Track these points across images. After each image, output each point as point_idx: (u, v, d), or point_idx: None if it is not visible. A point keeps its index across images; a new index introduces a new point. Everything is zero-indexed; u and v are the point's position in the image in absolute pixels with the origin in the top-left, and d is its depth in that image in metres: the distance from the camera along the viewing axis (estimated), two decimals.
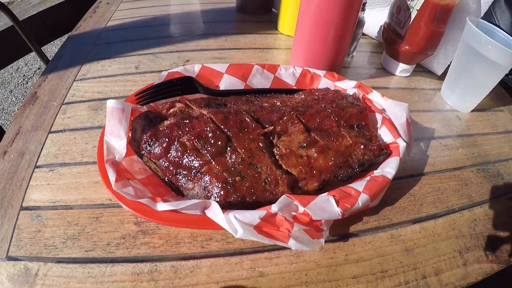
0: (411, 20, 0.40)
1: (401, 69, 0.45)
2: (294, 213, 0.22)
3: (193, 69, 0.32)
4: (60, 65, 0.43)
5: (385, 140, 0.30)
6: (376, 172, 0.26)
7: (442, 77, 0.46)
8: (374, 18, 0.50)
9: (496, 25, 0.60)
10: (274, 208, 0.21)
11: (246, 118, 0.26)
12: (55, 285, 0.23)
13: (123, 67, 0.41)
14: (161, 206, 0.21)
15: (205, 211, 0.22)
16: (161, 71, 0.40)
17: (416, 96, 0.44)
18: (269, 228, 0.21)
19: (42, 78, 0.41)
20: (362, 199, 0.24)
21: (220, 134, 0.25)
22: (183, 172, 0.24)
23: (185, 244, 0.25)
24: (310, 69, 0.36)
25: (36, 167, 0.30)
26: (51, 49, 1.56)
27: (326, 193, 0.24)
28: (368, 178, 0.25)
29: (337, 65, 0.40)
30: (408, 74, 0.47)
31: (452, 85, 0.43)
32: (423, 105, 0.43)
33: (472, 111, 0.43)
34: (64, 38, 0.55)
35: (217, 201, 0.23)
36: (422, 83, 0.46)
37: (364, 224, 0.28)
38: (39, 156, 0.31)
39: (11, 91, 1.46)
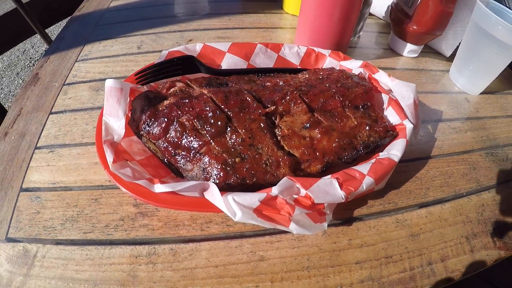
0: None
1: (409, 49, 0.41)
2: (295, 196, 0.20)
3: (195, 48, 0.29)
4: (62, 46, 0.40)
5: (391, 122, 0.27)
6: (382, 155, 0.24)
7: (450, 58, 0.42)
8: None
9: (507, 7, 0.55)
10: (274, 190, 0.19)
11: (248, 98, 0.23)
12: (53, 267, 0.21)
13: (125, 47, 0.38)
14: (159, 188, 0.19)
15: (204, 193, 0.20)
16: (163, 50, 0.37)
17: (424, 77, 0.40)
18: (270, 211, 0.19)
19: (44, 59, 0.38)
20: (367, 182, 0.21)
21: (220, 114, 0.23)
22: (182, 153, 0.22)
23: (185, 226, 0.23)
24: (315, 48, 0.32)
25: (36, 148, 0.28)
26: (57, 31, 1.52)
27: (329, 176, 0.21)
28: (373, 160, 0.23)
29: (343, 45, 0.36)
30: (416, 55, 0.42)
31: (461, 67, 0.39)
32: (431, 86, 0.39)
33: (481, 93, 0.39)
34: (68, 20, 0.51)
35: (216, 183, 0.21)
36: (430, 64, 0.42)
37: (369, 208, 0.26)
38: (39, 137, 0.29)
39: (17, 73, 1.43)
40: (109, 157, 0.21)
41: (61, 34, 0.43)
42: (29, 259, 0.22)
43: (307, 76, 0.28)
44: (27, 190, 0.25)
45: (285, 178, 0.20)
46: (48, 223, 0.23)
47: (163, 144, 0.23)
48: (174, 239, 0.22)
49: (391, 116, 0.27)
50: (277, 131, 0.23)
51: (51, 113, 0.31)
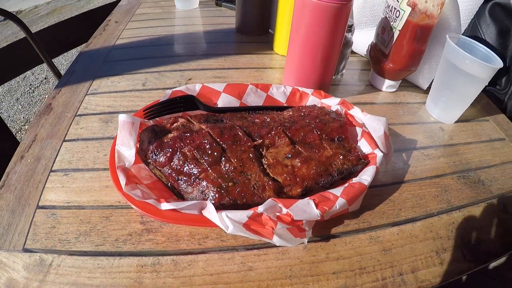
0: (394, 39, 0.45)
1: (387, 85, 0.50)
2: (278, 214, 0.27)
3: (194, 88, 0.38)
4: (72, 79, 0.49)
5: (364, 151, 0.34)
6: (355, 180, 0.31)
7: (427, 91, 0.51)
8: (364, 38, 0.56)
9: (481, 39, 0.66)
10: (260, 208, 0.26)
11: (239, 133, 0.31)
12: (67, 274, 0.27)
13: (131, 83, 0.47)
14: (165, 206, 0.26)
15: (202, 211, 0.27)
16: (166, 88, 0.46)
17: (401, 110, 0.49)
18: (256, 225, 0.26)
19: (56, 91, 0.47)
20: (340, 202, 0.28)
21: (216, 146, 0.30)
22: (184, 178, 0.29)
23: (184, 241, 0.29)
24: (299, 88, 0.41)
25: (51, 171, 0.35)
26: (59, 60, 1.66)
27: (308, 198, 0.28)
28: (346, 184, 0.30)
29: (325, 83, 0.45)
30: (394, 90, 0.52)
31: (435, 99, 0.48)
32: (408, 118, 0.47)
33: (457, 122, 0.48)
34: (73, 51, 0.61)
35: (212, 203, 0.27)
36: (408, 97, 0.51)
37: (345, 226, 0.32)
38: (54, 162, 0.36)
39: (17, 99, 1.55)
40: (122, 180, 0.28)
41: (71, 68, 0.52)
42: (44, 267, 0.27)
43: (291, 113, 0.36)
44: (43, 207, 0.32)
45: (269, 199, 0.27)
46: (63, 237, 0.29)
47: (168, 170, 0.30)
48: (175, 251, 0.29)
49: (364, 146, 0.35)
50: (263, 161, 0.30)
51: (64, 140, 0.39)
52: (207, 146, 0.30)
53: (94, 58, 0.54)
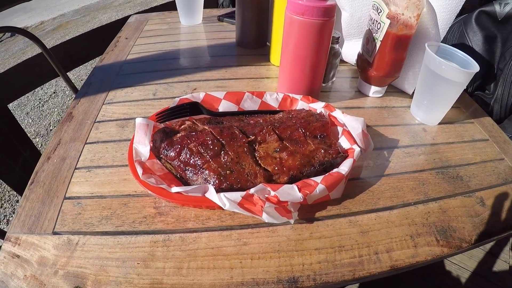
0: (377, 49, 0.54)
1: (374, 91, 0.59)
2: (266, 195, 0.35)
3: (199, 96, 0.47)
4: (90, 91, 0.59)
5: (344, 147, 0.42)
6: (334, 170, 0.39)
7: (412, 95, 0.59)
8: (352, 48, 0.65)
9: (468, 46, 0.74)
10: (252, 190, 0.34)
11: (236, 131, 0.40)
12: (91, 250, 0.34)
13: (143, 93, 0.57)
14: (175, 189, 0.35)
15: (205, 194, 0.35)
16: (174, 97, 0.55)
17: (387, 113, 0.56)
18: (248, 204, 0.34)
19: (76, 101, 0.56)
20: (319, 188, 0.36)
21: (217, 142, 0.39)
22: (190, 168, 0.38)
23: (190, 221, 0.37)
24: (290, 94, 0.50)
25: (76, 168, 0.44)
26: (70, 76, 1.81)
27: (293, 184, 0.36)
28: (327, 174, 0.38)
29: (315, 90, 0.54)
30: (381, 95, 0.60)
31: (418, 102, 0.55)
32: (392, 120, 0.55)
33: (440, 123, 0.55)
34: (84, 66, 0.71)
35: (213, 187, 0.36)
36: (394, 102, 0.59)
37: (327, 211, 0.40)
38: (78, 161, 0.45)
39: (27, 113, 1.69)
40: (139, 170, 0.37)
41: (88, 81, 0.62)
42: (72, 246, 0.34)
43: (281, 115, 0.45)
44: (70, 198, 0.40)
45: (260, 184, 0.35)
46: (87, 221, 0.37)
47: (177, 163, 0.39)
48: (183, 230, 0.37)
49: (344, 142, 0.43)
50: (256, 154, 0.39)
51: (86, 143, 0.48)
52: (209, 142, 0.39)
53: (108, 72, 0.64)
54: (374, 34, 0.54)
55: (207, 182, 0.37)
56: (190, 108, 0.45)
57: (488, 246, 1.04)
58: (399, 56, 0.54)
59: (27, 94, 1.80)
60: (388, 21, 0.51)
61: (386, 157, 0.48)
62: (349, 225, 0.38)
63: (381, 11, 0.51)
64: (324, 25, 0.47)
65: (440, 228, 0.39)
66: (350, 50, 0.65)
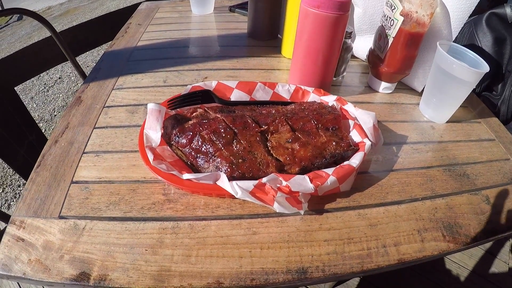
0: (389, 45, 0.53)
1: (384, 86, 0.58)
2: (278, 185, 0.34)
3: (211, 84, 0.46)
4: (99, 76, 0.58)
5: (355, 140, 0.42)
6: (345, 163, 0.38)
7: (422, 93, 0.58)
8: (363, 44, 0.63)
9: (478, 46, 0.73)
10: (264, 180, 0.33)
11: (248, 120, 0.39)
12: (98, 235, 0.33)
13: (153, 80, 0.56)
14: (186, 176, 0.34)
15: (216, 181, 0.34)
16: (185, 85, 0.54)
17: (396, 109, 0.56)
18: (260, 193, 0.33)
19: (85, 86, 0.55)
20: (331, 179, 0.35)
21: (229, 131, 0.38)
22: (202, 156, 0.37)
23: (200, 209, 0.37)
24: (302, 87, 0.49)
25: (84, 153, 0.42)
26: (79, 60, 1.78)
27: (304, 174, 0.36)
28: (338, 166, 0.37)
29: (326, 83, 0.53)
30: (390, 91, 0.59)
31: (427, 100, 0.55)
32: (401, 116, 0.54)
33: (448, 122, 0.54)
34: (90, 53, 0.69)
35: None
36: (403, 98, 0.58)
37: (337, 203, 0.39)
38: (86, 145, 0.43)
39: (32, 97, 1.67)
40: (150, 156, 0.36)
41: (97, 66, 0.61)
42: (78, 230, 0.33)
43: (293, 107, 0.44)
44: (77, 182, 0.39)
45: (272, 174, 0.35)
46: (95, 206, 0.36)
47: (188, 150, 0.38)
48: (192, 218, 0.36)
49: (355, 136, 0.42)
50: (268, 144, 0.38)
51: (95, 127, 0.47)
52: (222, 131, 0.38)
53: (118, 58, 0.63)
54: (387, 31, 0.53)
55: (219, 170, 0.36)
56: (202, 96, 0.44)
57: (487, 245, 1.04)
58: (411, 54, 0.53)
59: (32, 79, 1.78)
60: (401, 18, 0.49)
61: (395, 152, 0.47)
62: (358, 218, 0.38)
63: (395, 8, 0.50)
64: (339, 19, 0.46)
65: (446, 224, 0.38)
66: (361, 45, 0.64)
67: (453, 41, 0.52)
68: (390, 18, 0.51)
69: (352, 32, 0.56)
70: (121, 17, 0.81)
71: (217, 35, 0.73)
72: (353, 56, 0.68)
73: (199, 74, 0.58)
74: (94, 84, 0.55)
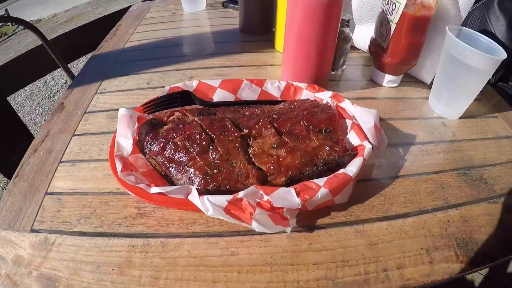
0: (391, 33, 0.45)
1: (388, 80, 0.50)
2: (258, 200, 0.28)
3: (192, 84, 0.40)
4: (84, 80, 0.53)
5: (352, 143, 0.35)
6: (341, 171, 0.32)
7: (431, 85, 0.50)
8: (365, 33, 0.56)
9: (490, 32, 0.63)
10: (240, 194, 0.27)
11: (227, 124, 0.33)
12: (67, 251, 0.30)
13: (136, 82, 0.51)
14: (154, 190, 0.29)
15: (188, 196, 0.29)
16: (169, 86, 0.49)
17: (402, 105, 0.48)
18: (236, 210, 0.28)
19: (69, 91, 0.51)
20: (322, 192, 0.29)
21: (205, 136, 0.32)
22: (175, 165, 0.32)
23: (174, 225, 0.31)
24: (294, 83, 0.42)
25: (60, 162, 0.39)
26: (77, 65, 1.77)
27: (290, 186, 0.29)
28: (331, 175, 0.31)
29: (322, 78, 0.46)
30: (396, 85, 0.51)
31: (438, 93, 0.47)
32: (408, 113, 0.47)
33: (461, 118, 0.46)
34: (89, 55, 0.66)
35: (198, 189, 0.29)
36: (411, 92, 0.51)
37: (331, 218, 0.33)
38: (63, 154, 0.40)
39: (38, 103, 1.67)
40: (119, 167, 0.31)
41: (83, 70, 0.57)
42: (48, 245, 0.30)
43: (282, 106, 0.38)
44: (51, 194, 0.35)
45: (252, 186, 0.29)
46: (66, 219, 0.33)
47: (161, 159, 0.33)
48: (164, 234, 0.31)
49: (353, 138, 0.35)
50: (250, 150, 0.32)
51: (74, 135, 0.43)
52: (197, 136, 0.32)
53: (104, 61, 0.58)
54: (388, 16, 0.45)
55: (192, 181, 0.30)
56: (181, 98, 0.39)
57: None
58: (417, 41, 0.45)
59: (38, 85, 1.79)
60: (404, 1, 0.42)
61: (401, 155, 0.40)
62: (355, 236, 0.32)
63: None
64: (331, 4, 0.39)
65: (460, 240, 0.32)
66: (362, 35, 0.56)
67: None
68: (391, 1, 0.44)
69: (350, 20, 0.49)
70: (118, 19, 0.77)
71: (207, 32, 0.67)
72: (354, 48, 0.60)
73: (185, 74, 0.53)
74: (77, 90, 0.51)
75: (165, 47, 0.61)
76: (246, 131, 0.33)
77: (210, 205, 0.27)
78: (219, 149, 0.31)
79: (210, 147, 0.32)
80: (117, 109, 0.45)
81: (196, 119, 0.35)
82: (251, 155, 0.32)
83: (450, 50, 0.42)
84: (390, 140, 0.41)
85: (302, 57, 0.44)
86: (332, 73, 0.53)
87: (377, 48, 0.49)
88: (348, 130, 0.36)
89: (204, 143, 0.32)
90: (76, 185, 0.36)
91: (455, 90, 0.44)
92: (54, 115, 0.47)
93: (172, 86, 0.40)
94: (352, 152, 0.33)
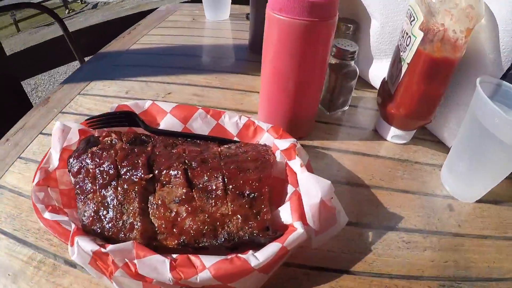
0: (402, 75, 0.35)
1: (393, 134, 0.40)
2: (126, 260, 0.24)
3: (144, 104, 0.38)
4: (76, 78, 0.54)
5: (282, 220, 0.27)
6: (242, 255, 0.24)
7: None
8: (383, 70, 0.45)
9: None
10: (109, 248, 0.24)
11: (140, 161, 0.29)
12: None
13: (117, 89, 0.51)
14: (46, 215, 0.27)
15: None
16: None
17: (402, 170, 0.37)
18: (101, 264, 0.24)
19: (60, 86, 0.52)
20: (203, 276, 0.23)
21: (113, 171, 0.29)
22: (79, 192, 0.30)
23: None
24: (256, 121, 0.36)
25: (19, 157, 0.40)
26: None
27: (171, 254, 0.24)
28: (228, 257, 0.24)
29: (304, 120, 0.38)
30: (403, 142, 0.40)
31: (452, 164, 0.35)
32: (407, 183, 0.36)
33: (478, 202, 0.34)
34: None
35: (85, 224, 0.27)
36: (421, 155, 0.39)
37: None
38: (24, 150, 0.41)
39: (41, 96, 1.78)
40: (36, 179, 0.30)
41: (81, 67, 0.59)
42: None
43: (225, 149, 0.32)
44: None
45: (130, 242, 0.25)
46: None
47: (74, 182, 0.31)
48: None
49: (285, 213, 0.27)
50: (151, 198, 0.28)
51: (40, 133, 0.44)
52: (106, 168, 0.29)
53: (104, 61, 0.59)
54: (401, 53, 0.35)
55: (83, 216, 0.28)
56: (126, 118, 0.37)
57: None
58: (433, 91, 0.34)
59: (56, 78, 1.94)
60: (421, 35, 0.32)
61: (366, 243, 0.31)
62: None
63: (414, 20, 0.32)
64: (313, 27, 0.31)
65: None
66: (380, 71, 0.46)
67: (503, 78, 0.31)
68: (407, 34, 0.34)
69: (355, 51, 0.40)
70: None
71: (215, 45, 0.64)
72: (368, 85, 0.50)
73: (164, 89, 0.50)
74: (67, 86, 0.53)
75: (166, 55, 0.60)
76: (149, 175, 0.29)
77: (78, 249, 0.24)
78: (119, 188, 0.28)
79: (113, 183, 0.29)
80: (86, 115, 0.46)
81: (117, 147, 0.32)
82: (149, 204, 0.28)
83: (476, 112, 0.30)
84: (362, 216, 0.32)
85: (276, 92, 0.37)
86: (328, 113, 0.45)
87: (385, 92, 0.39)
88: (285, 200, 0.29)
89: (108, 178, 0.29)
90: (18, 184, 0.37)
91: (476, 164, 0.32)
92: (36, 108, 0.49)
93: (120, 104, 0.38)
94: (276, 232, 0.26)
